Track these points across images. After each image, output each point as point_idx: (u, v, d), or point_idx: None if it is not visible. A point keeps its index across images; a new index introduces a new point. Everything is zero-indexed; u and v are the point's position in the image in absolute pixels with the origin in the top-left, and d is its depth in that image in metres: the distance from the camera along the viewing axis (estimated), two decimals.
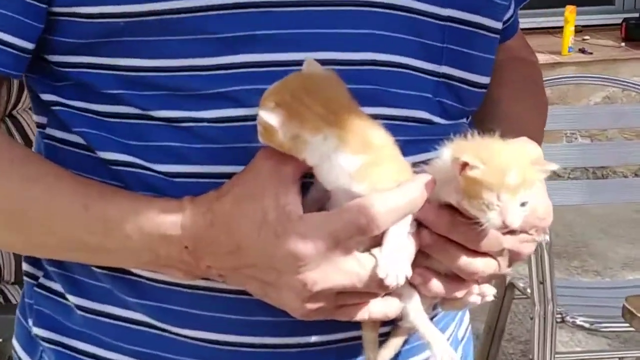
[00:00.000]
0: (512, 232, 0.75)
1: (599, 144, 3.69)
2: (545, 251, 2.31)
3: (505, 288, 2.69)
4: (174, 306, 0.82)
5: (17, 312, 0.94)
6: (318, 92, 0.71)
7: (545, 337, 2.33)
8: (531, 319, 2.35)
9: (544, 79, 2.95)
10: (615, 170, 4.21)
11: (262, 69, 0.77)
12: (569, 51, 4.64)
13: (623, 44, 4.82)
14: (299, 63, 0.76)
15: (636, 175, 4.63)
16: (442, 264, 0.76)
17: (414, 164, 0.77)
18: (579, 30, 4.87)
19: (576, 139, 4.10)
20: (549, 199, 0.82)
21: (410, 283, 0.75)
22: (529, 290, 2.41)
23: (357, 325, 0.80)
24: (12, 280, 2.04)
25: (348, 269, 0.72)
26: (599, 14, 5.18)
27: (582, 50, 4.69)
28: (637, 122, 2.88)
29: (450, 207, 0.74)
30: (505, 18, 0.98)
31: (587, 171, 4.00)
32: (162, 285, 0.81)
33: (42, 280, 0.90)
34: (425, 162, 0.77)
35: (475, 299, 0.79)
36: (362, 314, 0.75)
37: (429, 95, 0.84)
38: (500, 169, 0.71)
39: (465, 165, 0.70)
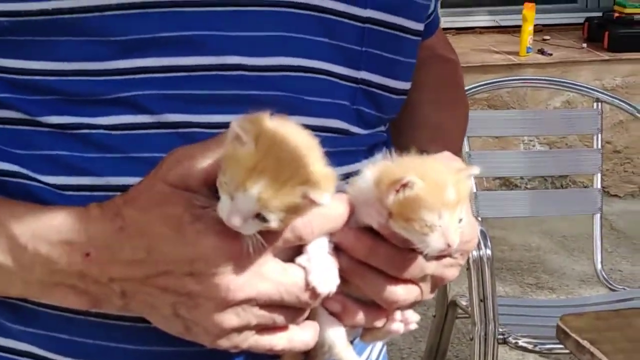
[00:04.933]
0: (441, 256, 0.75)
1: (559, 152, 3.76)
2: (486, 267, 2.32)
3: (447, 306, 2.71)
4: (64, 335, 0.79)
5: None
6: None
7: (486, 358, 2.34)
8: (471, 339, 2.36)
9: (500, 81, 2.96)
10: (575, 180, 4.25)
11: (163, 74, 0.77)
12: (527, 52, 4.68)
13: (585, 45, 4.87)
14: (204, 68, 0.77)
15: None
16: (360, 291, 0.76)
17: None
18: (539, 29, 4.93)
19: (534, 146, 4.15)
20: (474, 219, 0.81)
21: (331, 312, 0.76)
22: (470, 308, 2.42)
23: (271, 357, 0.80)
24: None
25: (274, 278, 0.71)
26: (560, 13, 5.25)
27: (542, 51, 4.74)
28: (591, 126, 2.88)
29: (370, 230, 0.74)
30: (430, 14, 0.99)
31: (546, 181, 4.06)
32: (52, 311, 0.78)
33: None
34: (346, 179, 0.77)
35: (397, 326, 0.79)
36: (284, 342, 0.73)
37: (346, 103, 0.85)
38: (438, 186, 0.71)
39: (404, 184, 0.70)
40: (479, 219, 2.56)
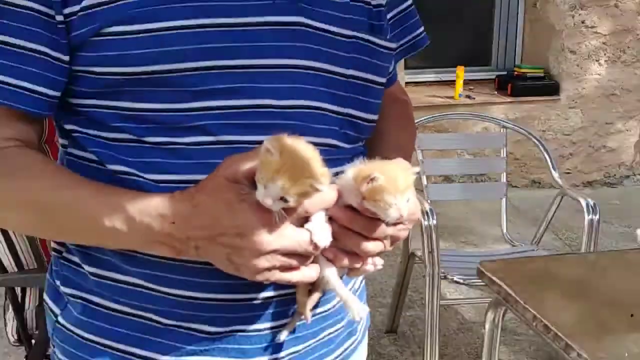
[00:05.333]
0: (396, 223, 0.75)
1: (479, 159, 3.76)
2: (433, 231, 2.34)
3: (409, 256, 2.74)
4: (159, 273, 0.79)
5: (47, 275, 0.91)
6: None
7: (433, 288, 2.37)
8: (424, 276, 2.41)
9: (442, 115, 3.06)
10: (490, 177, 4.19)
11: (221, 111, 0.76)
12: (459, 96, 4.70)
13: (496, 92, 4.90)
14: (247, 106, 0.77)
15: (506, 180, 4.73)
16: (346, 246, 0.75)
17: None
18: (466, 82, 4.90)
19: (464, 155, 4.14)
20: (417, 199, 0.78)
21: (327, 258, 0.76)
22: (423, 257, 2.46)
23: (289, 286, 0.79)
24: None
25: (292, 236, 0.70)
26: (480, 72, 5.21)
27: (468, 96, 4.75)
28: (499, 144, 2.97)
29: (351, 209, 0.74)
30: (390, 72, 0.97)
31: (471, 177, 4.04)
32: (152, 258, 0.78)
33: (65, 254, 0.87)
34: (336, 176, 0.76)
35: (369, 267, 0.78)
36: (297, 276, 0.73)
37: (337, 128, 0.84)
38: (393, 179, 0.71)
39: (372, 179, 0.71)
40: (429, 201, 2.55)
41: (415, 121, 3.02)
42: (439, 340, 2.66)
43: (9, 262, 1.91)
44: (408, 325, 3.08)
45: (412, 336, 2.99)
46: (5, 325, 1.99)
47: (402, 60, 4.32)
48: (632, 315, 1.47)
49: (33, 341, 1.95)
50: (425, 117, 3.06)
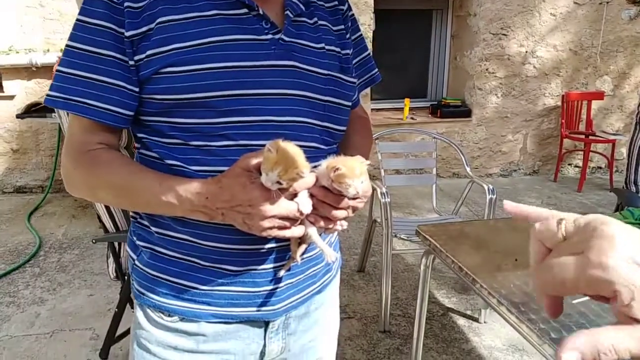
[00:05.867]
0: (355, 198, 0.73)
1: (419, 159, 3.69)
2: (388, 206, 2.32)
3: (372, 222, 2.73)
4: (199, 231, 0.78)
5: (128, 234, 0.90)
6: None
7: (387, 243, 2.34)
8: (382, 235, 2.37)
9: (395, 130, 3.08)
10: (425, 170, 3.97)
11: (238, 124, 0.74)
12: (407, 118, 4.69)
13: (430, 115, 4.87)
14: (255, 121, 0.74)
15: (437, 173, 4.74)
16: (322, 213, 0.74)
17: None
18: (411, 109, 4.91)
19: (409, 157, 4.01)
20: (370, 182, 0.77)
21: (309, 221, 0.74)
22: (381, 222, 2.40)
23: (285, 240, 0.78)
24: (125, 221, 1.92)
25: (285, 206, 0.69)
26: (420, 101, 5.18)
27: (412, 118, 4.74)
28: (432, 149, 2.91)
29: (324, 188, 0.72)
30: (354, 99, 0.94)
31: (414, 171, 3.98)
32: (194, 221, 0.76)
33: (139, 219, 0.85)
34: (315, 167, 0.74)
35: (338, 227, 0.76)
36: (289, 233, 0.71)
37: (318, 136, 0.81)
38: (352, 168, 0.69)
39: (337, 168, 0.69)
40: (385, 186, 2.47)
41: (377, 134, 3.10)
42: (391, 277, 2.69)
43: (110, 225, 1.90)
44: (372, 267, 3.07)
45: (375, 274, 2.99)
46: (107, 266, 1.98)
47: (369, 94, 4.44)
48: (516, 260, 1.48)
49: (126, 278, 1.94)
50: (384, 131, 3.03)
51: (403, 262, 3.15)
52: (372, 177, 4.09)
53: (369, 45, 4.40)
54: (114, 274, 1.97)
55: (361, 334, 2.39)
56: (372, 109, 4.68)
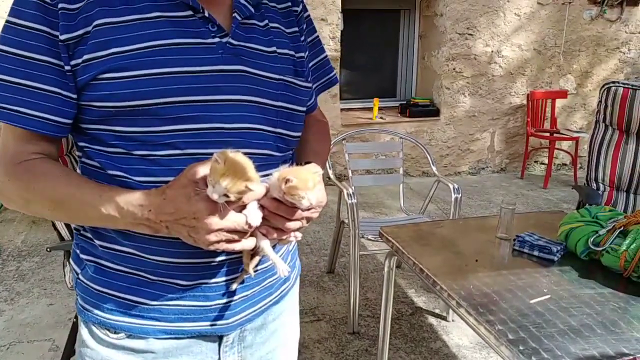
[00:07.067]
0: (309, 209, 0.72)
1: (388, 159, 3.61)
2: (354, 207, 2.32)
3: (340, 223, 2.72)
4: (145, 245, 0.75)
5: (72, 246, 0.86)
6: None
7: (355, 244, 2.33)
8: (349, 236, 2.37)
9: (364, 130, 3.09)
10: (394, 170, 4.08)
11: (188, 132, 0.71)
12: (376, 117, 4.69)
13: (399, 115, 4.89)
14: (204, 129, 0.72)
15: (405, 172, 4.81)
16: (275, 225, 0.72)
17: (263, 176, 0.71)
18: (380, 108, 4.92)
19: (378, 156, 4.02)
20: (325, 191, 0.75)
21: (261, 233, 0.72)
22: (348, 224, 2.40)
23: (237, 253, 0.76)
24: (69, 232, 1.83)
25: (232, 219, 0.67)
26: (389, 101, 5.19)
27: (382, 117, 4.74)
28: (398, 149, 2.92)
29: (276, 200, 0.70)
30: (310, 103, 0.92)
31: (383, 170, 3.97)
32: (139, 234, 0.74)
33: (82, 232, 0.82)
34: (267, 176, 0.73)
35: (292, 239, 0.74)
36: (239, 246, 0.69)
37: (271, 142, 0.79)
38: (304, 180, 0.68)
39: (288, 180, 0.67)
40: (353, 187, 2.47)
41: (345, 134, 3.06)
42: (361, 277, 2.73)
43: (65, 232, 1.84)
44: (341, 268, 3.06)
45: (344, 275, 2.97)
46: (64, 275, 1.93)
47: (338, 94, 4.41)
48: (476, 260, 1.49)
49: None
50: (353, 131, 3.01)
51: (373, 262, 3.15)
52: (342, 178, 4.20)
53: (337, 46, 4.40)
54: (71, 283, 1.90)
55: (330, 336, 2.38)
56: (341, 109, 4.67)
